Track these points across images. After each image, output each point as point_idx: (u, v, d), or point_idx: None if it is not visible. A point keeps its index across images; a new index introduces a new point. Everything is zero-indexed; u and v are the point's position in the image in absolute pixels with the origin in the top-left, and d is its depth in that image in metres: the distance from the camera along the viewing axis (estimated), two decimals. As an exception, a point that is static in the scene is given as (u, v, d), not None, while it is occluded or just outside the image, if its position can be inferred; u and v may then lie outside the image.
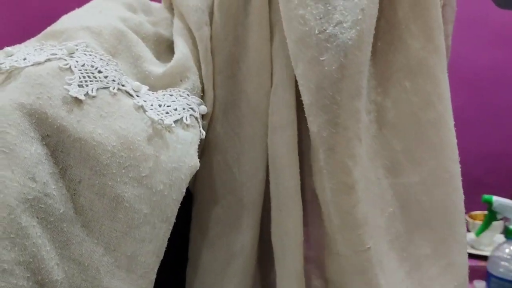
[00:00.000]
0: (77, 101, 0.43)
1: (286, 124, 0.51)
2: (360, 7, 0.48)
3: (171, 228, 0.45)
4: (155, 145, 0.45)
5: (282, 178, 0.51)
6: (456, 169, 0.55)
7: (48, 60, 0.45)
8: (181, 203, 0.46)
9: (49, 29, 0.51)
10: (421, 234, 0.55)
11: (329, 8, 0.48)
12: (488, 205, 1.01)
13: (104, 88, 0.45)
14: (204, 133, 0.50)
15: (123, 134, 0.43)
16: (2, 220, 0.38)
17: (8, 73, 0.44)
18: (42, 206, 0.40)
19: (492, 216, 1.01)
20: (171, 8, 0.60)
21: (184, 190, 0.45)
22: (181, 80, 0.51)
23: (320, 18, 0.48)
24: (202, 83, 0.53)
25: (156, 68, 0.52)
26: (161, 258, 0.45)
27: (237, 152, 0.53)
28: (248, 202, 0.53)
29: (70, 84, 0.43)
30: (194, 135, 0.48)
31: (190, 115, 0.49)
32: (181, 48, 0.53)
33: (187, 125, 0.48)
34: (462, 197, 0.56)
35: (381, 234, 0.52)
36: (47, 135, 0.42)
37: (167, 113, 0.47)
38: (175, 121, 0.47)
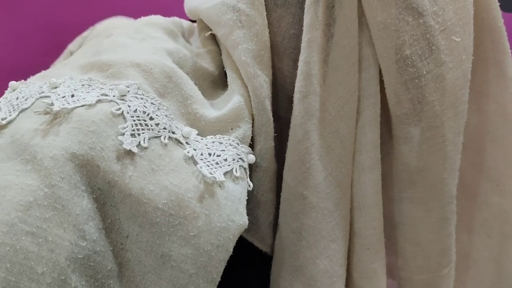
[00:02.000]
0: (130, 153, 0.41)
1: (374, 164, 0.51)
2: (462, 46, 0.49)
3: (215, 287, 0.43)
4: (205, 203, 0.43)
5: (369, 218, 0.52)
6: None
7: (99, 101, 0.42)
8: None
9: (92, 55, 0.49)
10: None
11: (433, 48, 0.48)
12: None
13: (155, 137, 0.43)
14: (251, 184, 0.48)
15: (174, 190, 0.42)
16: (53, 281, 0.36)
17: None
18: (91, 264, 0.39)
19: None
20: (213, 38, 0.57)
21: (231, 251, 0.44)
22: (232, 129, 0.49)
23: (426, 58, 0.48)
24: (253, 132, 0.51)
25: (207, 111, 0.49)
26: None
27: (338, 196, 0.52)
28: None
29: (123, 134, 0.41)
30: (243, 189, 0.46)
31: (240, 166, 0.47)
32: (236, 95, 0.51)
33: (237, 177, 0.46)
34: None
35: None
36: (98, 188, 0.40)
37: (216, 163, 0.45)
38: (225, 173, 0.45)
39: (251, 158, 0.50)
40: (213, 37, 0.57)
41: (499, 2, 0.64)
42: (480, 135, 0.57)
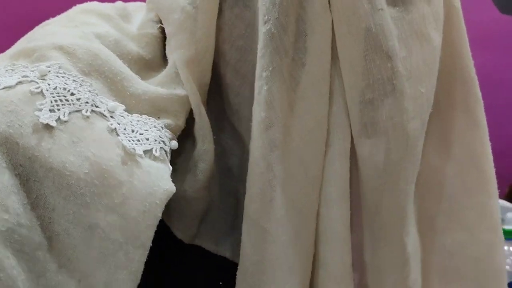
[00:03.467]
0: (48, 127, 0.42)
1: (344, 197, 0.51)
2: (425, 97, 0.50)
3: (146, 252, 0.44)
4: (128, 171, 0.44)
5: (336, 251, 0.51)
6: (498, 238, 0.58)
7: (20, 83, 0.43)
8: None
9: (21, 45, 0.50)
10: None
11: (397, 95, 0.48)
12: (483, 206, 1.01)
13: (76, 111, 0.44)
14: (171, 168, 0.48)
15: (95, 160, 0.42)
16: None
17: None
18: (16, 237, 0.39)
19: (485, 216, 1.02)
20: (158, 21, 0.57)
21: (160, 215, 0.44)
22: (159, 118, 0.50)
23: (389, 104, 0.48)
24: (184, 124, 0.52)
25: (139, 88, 0.50)
26: (138, 282, 0.44)
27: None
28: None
29: (41, 110, 0.42)
30: (164, 166, 0.47)
31: (161, 147, 0.48)
32: (178, 89, 0.52)
33: (156, 158, 0.47)
34: (503, 251, 0.59)
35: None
36: (20, 165, 0.41)
37: (138, 140, 0.46)
38: (145, 151, 0.46)
39: (174, 144, 0.50)
40: (158, 21, 0.58)
41: (496, 4, 0.65)
42: (453, 184, 0.57)
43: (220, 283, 0.57)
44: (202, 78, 0.52)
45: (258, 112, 0.49)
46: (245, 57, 0.52)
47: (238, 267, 0.52)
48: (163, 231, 0.55)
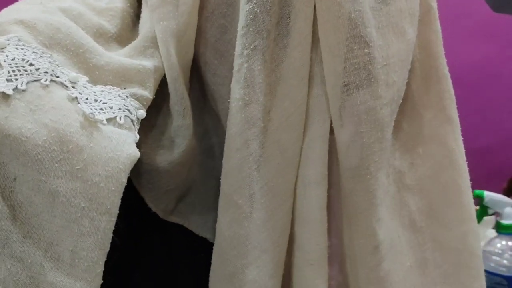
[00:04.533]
0: (5, 96, 0.42)
1: (321, 180, 0.51)
2: (397, 86, 0.51)
3: (113, 219, 0.43)
4: (88, 136, 0.43)
5: (313, 233, 0.52)
6: (469, 228, 0.58)
7: None
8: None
9: None
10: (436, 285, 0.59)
11: (372, 80, 0.48)
12: (480, 200, 1.01)
13: (35, 80, 0.44)
14: (138, 136, 0.47)
15: (54, 126, 0.42)
16: None
17: None
18: None
19: (483, 211, 1.01)
20: None
21: (125, 181, 0.43)
22: (125, 88, 0.49)
23: (363, 89, 0.48)
24: (153, 96, 0.52)
25: (102, 60, 0.49)
26: (107, 250, 0.43)
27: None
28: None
29: None
30: (130, 133, 0.46)
31: (126, 116, 0.47)
32: (149, 61, 0.52)
33: (121, 125, 0.46)
34: (477, 253, 0.59)
35: (399, 287, 0.55)
36: None
37: (101, 109, 0.45)
38: (108, 119, 0.45)
39: (141, 113, 0.49)
40: None
41: (488, 2, 0.66)
42: (430, 180, 0.58)
43: (202, 254, 0.57)
44: (184, 54, 0.52)
45: (237, 90, 0.49)
46: (225, 36, 0.52)
47: (214, 243, 0.52)
48: (143, 207, 0.55)
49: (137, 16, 0.58)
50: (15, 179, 0.41)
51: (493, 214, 1.01)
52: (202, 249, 0.57)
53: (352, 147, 0.50)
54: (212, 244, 0.56)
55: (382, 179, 0.53)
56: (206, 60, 0.54)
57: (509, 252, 0.89)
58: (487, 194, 0.99)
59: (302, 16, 0.48)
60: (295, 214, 0.52)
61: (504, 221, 0.95)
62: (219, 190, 0.57)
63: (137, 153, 0.45)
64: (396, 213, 0.57)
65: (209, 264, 0.54)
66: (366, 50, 0.48)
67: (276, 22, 0.48)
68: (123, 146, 0.44)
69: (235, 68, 0.49)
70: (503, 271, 0.87)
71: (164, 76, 0.53)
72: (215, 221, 0.57)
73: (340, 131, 0.50)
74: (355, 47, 0.48)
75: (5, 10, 0.52)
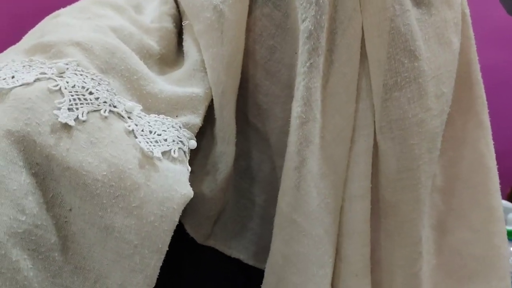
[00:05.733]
0: (67, 127, 0.41)
1: (365, 193, 0.52)
2: (446, 97, 0.52)
3: (162, 257, 0.43)
4: (146, 174, 0.43)
5: (358, 244, 0.53)
6: (497, 229, 0.59)
7: (38, 80, 0.43)
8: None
9: (34, 39, 0.49)
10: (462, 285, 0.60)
11: (423, 93, 0.49)
12: (485, 206, 1.01)
13: (95, 111, 0.43)
14: (190, 168, 0.47)
15: (113, 162, 0.42)
16: None
17: None
18: (33, 238, 0.39)
19: (488, 216, 1.02)
20: (174, 12, 0.57)
21: (177, 220, 0.44)
22: (177, 116, 0.49)
23: (414, 102, 0.49)
24: (202, 122, 0.51)
25: (155, 87, 0.49)
26: (153, 286, 0.43)
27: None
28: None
29: (59, 109, 0.41)
30: (182, 168, 0.46)
31: (179, 148, 0.47)
32: (196, 88, 0.52)
33: (174, 159, 0.46)
34: (505, 254, 0.60)
35: (426, 284, 0.57)
36: (36, 163, 0.40)
37: (156, 142, 0.45)
38: (163, 153, 0.45)
39: (192, 143, 0.49)
40: (172, 15, 0.57)
41: (503, 4, 0.66)
42: (460, 182, 0.59)
43: (228, 275, 0.58)
44: (232, 80, 0.52)
45: (296, 108, 0.50)
46: (275, 56, 0.52)
47: (267, 261, 0.53)
48: (178, 232, 0.55)
49: (179, 36, 0.57)
50: (70, 210, 0.41)
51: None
52: (233, 270, 0.58)
53: (403, 159, 0.51)
54: (243, 265, 0.57)
55: (429, 187, 0.54)
56: (257, 82, 0.54)
57: (512, 258, 0.91)
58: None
59: (351, 32, 0.48)
60: (341, 227, 0.53)
61: (508, 227, 0.97)
62: (251, 210, 0.58)
63: (191, 193, 0.45)
64: (428, 214, 0.58)
65: (241, 285, 0.55)
66: (416, 64, 0.49)
67: (327, 38, 0.49)
68: (178, 185, 0.44)
69: (296, 86, 0.50)
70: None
71: (211, 101, 0.52)
72: (248, 242, 0.58)
73: (389, 144, 0.51)
74: (406, 61, 0.49)
75: (51, 22, 0.51)
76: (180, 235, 0.55)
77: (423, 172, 0.51)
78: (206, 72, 0.52)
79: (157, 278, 0.44)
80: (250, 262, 0.58)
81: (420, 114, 0.50)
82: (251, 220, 0.58)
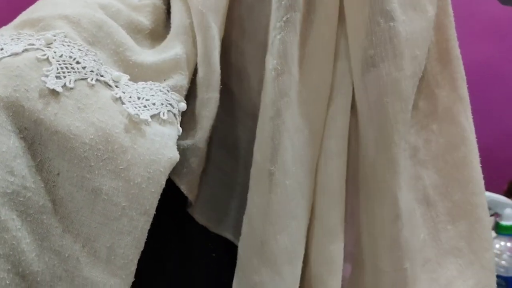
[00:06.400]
0: (55, 93, 0.43)
1: (342, 151, 0.54)
2: (418, 60, 0.53)
3: (150, 220, 0.44)
4: (132, 138, 0.44)
5: (332, 202, 0.54)
6: (479, 201, 0.60)
7: (26, 50, 0.44)
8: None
9: (25, 16, 0.51)
10: (449, 259, 0.60)
11: (397, 53, 0.51)
12: (480, 200, 1.01)
13: (82, 79, 0.45)
14: (181, 129, 0.49)
15: (100, 126, 0.43)
16: None
17: None
18: (21, 199, 0.40)
19: (483, 211, 1.02)
20: None
21: (164, 183, 0.45)
22: (164, 80, 0.51)
23: (388, 61, 0.51)
24: (189, 83, 0.53)
25: (140, 57, 0.51)
26: (141, 249, 0.44)
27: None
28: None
29: (47, 76, 0.43)
30: (171, 131, 0.48)
31: (168, 110, 0.48)
32: (176, 49, 0.53)
33: (164, 121, 0.47)
34: (487, 225, 0.61)
35: (415, 257, 0.57)
36: (25, 128, 0.41)
37: (144, 106, 0.47)
38: (152, 116, 0.47)
39: (182, 105, 0.51)
40: None
41: None
42: (443, 157, 0.60)
43: (213, 254, 0.59)
44: (219, 26, 0.53)
45: (271, 61, 0.51)
46: (253, 15, 0.54)
47: (245, 213, 0.54)
48: (168, 207, 0.56)
49: (168, 12, 0.59)
50: (58, 174, 0.42)
51: (492, 215, 1.03)
52: (220, 249, 0.59)
53: (377, 117, 0.52)
54: (229, 244, 0.57)
55: (403, 149, 0.54)
56: (232, 40, 0.55)
57: (508, 253, 0.90)
58: (488, 195, 0.99)
59: None
60: (316, 184, 0.54)
61: (504, 222, 0.96)
62: (222, 180, 0.59)
63: (177, 157, 0.46)
64: (411, 187, 0.59)
65: (226, 264, 0.56)
66: (391, 24, 0.50)
67: None
68: (164, 149, 0.45)
69: (269, 41, 0.51)
70: (502, 271, 0.89)
71: None
72: (218, 211, 0.59)
73: (364, 102, 0.52)
74: (381, 21, 0.50)
75: (41, 2, 0.53)
76: (170, 210, 0.56)
77: (396, 132, 0.52)
78: (188, 35, 0.54)
79: (146, 250, 0.45)
80: (216, 230, 0.59)
81: (394, 73, 0.51)
82: (222, 189, 0.59)
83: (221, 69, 0.55)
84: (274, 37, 0.50)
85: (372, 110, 0.52)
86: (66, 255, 0.43)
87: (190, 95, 0.55)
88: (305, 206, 0.54)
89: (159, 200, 0.52)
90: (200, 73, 0.53)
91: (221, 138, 0.58)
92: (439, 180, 0.60)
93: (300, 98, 0.52)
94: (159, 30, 0.57)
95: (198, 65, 0.53)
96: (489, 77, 1.27)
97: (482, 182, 0.61)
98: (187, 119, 0.54)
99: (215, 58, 0.53)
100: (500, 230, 0.97)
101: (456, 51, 0.59)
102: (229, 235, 0.59)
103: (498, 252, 0.92)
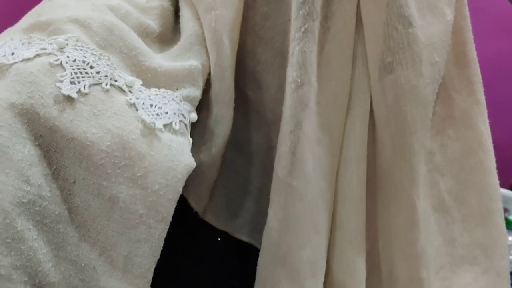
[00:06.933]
0: (70, 99, 0.42)
1: (361, 159, 0.53)
2: (438, 66, 0.53)
3: (167, 227, 0.44)
4: (149, 144, 0.43)
5: (353, 211, 0.53)
6: (496, 206, 0.60)
7: (38, 55, 0.43)
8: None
9: (31, 18, 0.49)
10: (463, 266, 0.60)
11: (416, 59, 0.50)
12: (488, 196, 1.02)
13: (96, 84, 0.44)
14: (191, 140, 0.48)
15: (117, 133, 0.42)
16: None
17: None
18: (37, 208, 0.39)
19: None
20: None
21: (181, 190, 0.44)
22: (177, 89, 0.50)
23: (408, 68, 0.50)
24: (210, 100, 0.52)
25: (154, 62, 0.50)
26: (158, 257, 0.44)
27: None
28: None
29: (62, 81, 0.42)
30: (184, 140, 0.47)
31: (180, 121, 0.48)
32: (192, 61, 0.52)
33: (176, 131, 0.47)
34: (504, 232, 0.61)
35: (430, 265, 0.56)
36: (40, 135, 0.40)
37: (157, 114, 0.46)
38: (164, 125, 0.46)
39: (193, 116, 0.50)
40: None
41: None
42: (459, 162, 0.59)
43: (224, 256, 0.58)
44: (233, 43, 0.52)
45: (291, 72, 0.50)
46: (269, 23, 0.52)
47: (265, 229, 0.53)
48: (180, 211, 0.55)
49: (176, 15, 0.58)
50: (74, 182, 0.41)
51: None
52: (231, 251, 0.58)
53: (395, 125, 0.51)
54: (241, 246, 0.57)
55: (422, 159, 0.54)
56: (249, 49, 0.54)
57: (513, 250, 0.91)
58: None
59: None
60: (336, 193, 0.54)
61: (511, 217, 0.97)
62: (237, 182, 0.58)
63: (193, 163, 0.46)
64: (427, 193, 0.58)
65: (238, 266, 0.56)
66: (410, 30, 0.49)
67: (322, 5, 0.49)
68: (181, 156, 0.45)
69: (290, 52, 0.50)
70: (510, 267, 0.89)
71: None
72: (234, 215, 0.58)
73: (382, 110, 0.51)
74: (400, 27, 0.49)
75: (47, 3, 0.51)
76: (182, 214, 0.55)
77: (415, 140, 0.52)
78: (202, 46, 0.53)
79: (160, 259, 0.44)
80: (236, 235, 0.58)
81: (414, 80, 0.50)
82: (238, 192, 0.59)
83: (238, 76, 0.54)
84: (294, 48, 0.50)
85: (390, 118, 0.51)
86: (83, 264, 0.42)
87: (203, 106, 0.54)
88: (327, 218, 0.53)
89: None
90: (213, 89, 0.53)
91: (237, 142, 0.57)
92: (455, 185, 0.59)
93: (319, 108, 0.51)
94: (167, 34, 0.55)
95: (212, 81, 0.53)
96: (499, 73, 1.28)
97: (499, 187, 0.60)
98: (200, 132, 0.54)
99: (228, 76, 0.52)
100: (509, 225, 0.97)
101: (473, 54, 0.58)
102: (246, 238, 0.58)
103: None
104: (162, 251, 0.45)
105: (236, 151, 0.58)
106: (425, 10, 0.51)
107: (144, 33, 0.52)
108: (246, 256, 0.59)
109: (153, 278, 0.46)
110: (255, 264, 0.54)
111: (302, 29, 0.49)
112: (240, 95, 0.55)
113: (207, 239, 0.58)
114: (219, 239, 0.59)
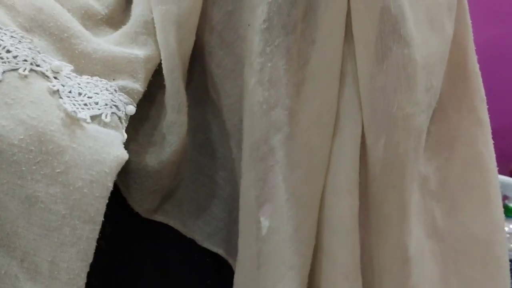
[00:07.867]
0: None
1: (353, 188, 0.47)
2: (434, 90, 0.47)
3: (97, 228, 0.39)
4: (71, 136, 0.39)
5: (345, 243, 0.48)
6: (497, 238, 0.55)
7: None
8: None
9: None
10: None
11: (411, 84, 0.44)
12: (487, 183, 0.99)
13: (12, 70, 0.39)
14: (126, 136, 0.43)
15: (32, 124, 0.37)
16: None
17: None
18: None
19: (490, 194, 1.00)
20: None
21: (111, 185, 0.39)
22: (114, 79, 0.45)
23: (401, 94, 0.44)
24: (145, 88, 0.47)
25: (89, 46, 0.45)
26: (90, 261, 0.39)
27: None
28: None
29: None
30: (116, 132, 0.42)
31: (112, 113, 0.43)
32: (140, 50, 0.47)
33: (106, 124, 0.42)
34: (505, 266, 0.56)
35: None
36: None
37: (85, 104, 0.41)
38: (92, 117, 0.41)
39: (130, 109, 0.45)
40: None
41: None
42: (455, 185, 0.55)
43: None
44: (185, 43, 0.47)
45: (261, 92, 0.44)
46: (233, 24, 0.47)
47: (237, 261, 0.49)
48: (129, 207, 0.51)
49: None
50: None
51: (500, 197, 1.01)
52: (192, 250, 0.54)
53: (386, 157, 0.46)
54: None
55: (414, 189, 0.50)
56: (211, 50, 0.48)
57: (512, 237, 0.88)
58: (495, 178, 0.98)
59: (335, 6, 0.43)
60: (324, 224, 0.48)
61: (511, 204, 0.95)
62: (209, 189, 0.53)
63: (125, 155, 0.41)
64: (420, 221, 0.53)
65: (200, 264, 0.52)
66: (406, 51, 0.43)
67: (303, 15, 0.43)
68: (110, 147, 0.40)
69: (257, 67, 0.44)
70: (510, 255, 0.86)
71: (160, 65, 0.47)
72: (204, 223, 0.54)
73: (373, 137, 0.46)
74: (394, 47, 0.43)
75: None
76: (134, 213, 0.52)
77: (408, 173, 0.47)
78: (149, 35, 0.48)
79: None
80: (204, 244, 0.54)
81: (407, 108, 0.45)
82: (209, 199, 0.54)
83: (200, 73, 0.50)
84: (264, 64, 0.44)
85: (381, 146, 0.46)
86: (3, 272, 0.38)
87: (155, 102, 0.49)
88: (305, 251, 0.48)
89: (124, 202, 0.48)
90: (166, 92, 0.48)
91: (210, 146, 0.53)
92: (451, 211, 0.54)
93: (298, 129, 0.45)
94: (116, 17, 0.50)
95: (165, 81, 0.47)
96: (493, 59, 1.28)
97: (502, 217, 0.56)
98: (148, 131, 0.49)
99: (176, 79, 0.47)
100: (509, 212, 0.94)
101: (475, 67, 0.53)
102: (197, 237, 0.54)
103: (507, 235, 0.89)
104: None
105: (208, 156, 0.53)
106: (423, 24, 0.45)
107: (85, 15, 0.48)
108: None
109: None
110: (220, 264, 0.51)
111: (275, 43, 0.43)
112: (208, 97, 0.50)
113: (165, 237, 0.54)
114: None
